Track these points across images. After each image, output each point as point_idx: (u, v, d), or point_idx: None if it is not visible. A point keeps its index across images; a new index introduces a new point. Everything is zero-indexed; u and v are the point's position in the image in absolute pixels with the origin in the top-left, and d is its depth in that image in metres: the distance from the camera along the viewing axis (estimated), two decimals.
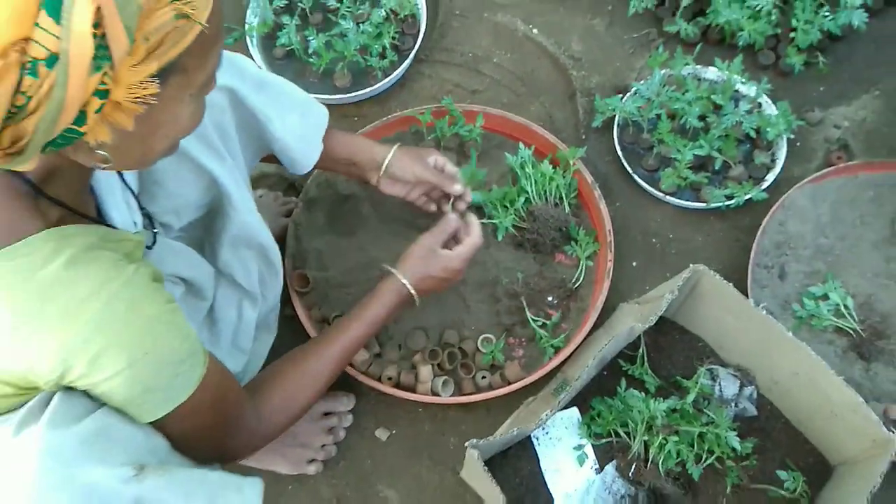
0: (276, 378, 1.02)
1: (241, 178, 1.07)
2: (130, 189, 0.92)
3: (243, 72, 1.07)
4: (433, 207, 1.30)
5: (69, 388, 0.73)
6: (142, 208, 0.94)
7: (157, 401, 0.77)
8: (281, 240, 1.35)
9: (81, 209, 0.78)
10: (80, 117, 0.59)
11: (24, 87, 0.55)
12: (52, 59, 0.54)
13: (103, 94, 0.58)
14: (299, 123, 1.14)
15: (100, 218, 0.84)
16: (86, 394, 0.73)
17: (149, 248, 0.92)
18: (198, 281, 1.03)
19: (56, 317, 0.67)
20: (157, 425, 0.79)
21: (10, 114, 0.56)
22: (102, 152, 0.66)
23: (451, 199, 1.26)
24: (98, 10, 0.54)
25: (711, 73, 1.52)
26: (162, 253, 0.95)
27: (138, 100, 0.61)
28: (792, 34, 1.54)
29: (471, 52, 1.68)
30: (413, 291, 1.11)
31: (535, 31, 1.69)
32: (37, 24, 0.53)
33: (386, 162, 1.21)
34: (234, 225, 1.06)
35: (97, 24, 0.55)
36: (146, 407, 0.76)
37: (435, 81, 1.65)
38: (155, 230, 0.96)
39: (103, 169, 0.71)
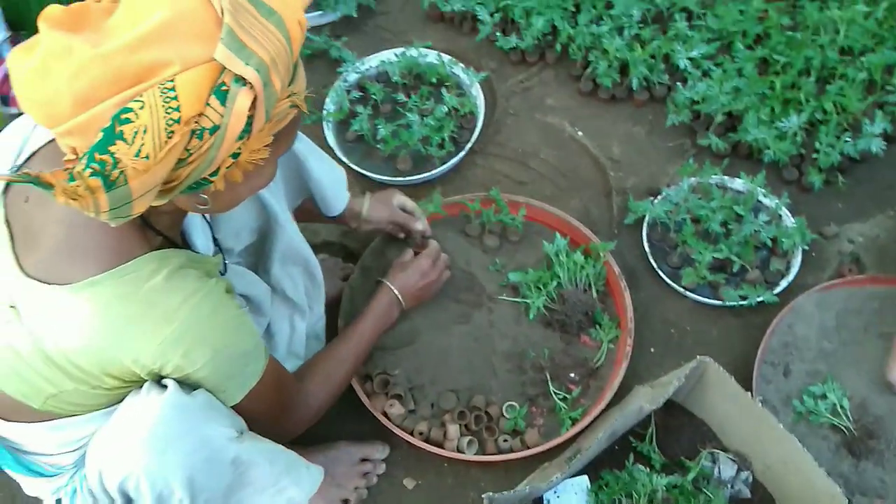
0: (315, 365, 1.28)
1: (284, 202, 1.29)
2: (208, 222, 1.13)
3: None
4: (401, 235, 1.58)
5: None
6: (213, 237, 1.15)
7: (236, 386, 0.99)
8: (337, 301, 1.54)
9: (174, 237, 0.99)
10: (215, 171, 0.79)
11: (190, 146, 0.75)
12: (214, 129, 0.75)
13: (236, 154, 0.79)
14: (329, 170, 1.38)
15: (186, 244, 1.06)
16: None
17: (222, 273, 1.13)
18: (257, 298, 1.23)
19: (157, 319, 0.87)
20: (236, 409, 1.02)
21: (176, 163, 0.76)
22: (205, 196, 0.86)
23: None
24: (254, 99, 0.75)
25: (737, 183, 1.68)
26: (229, 275, 1.15)
27: (253, 161, 0.82)
28: (815, 155, 1.69)
29: (520, 147, 1.88)
30: (398, 294, 1.43)
31: (580, 133, 1.88)
32: (208, 104, 0.74)
33: (364, 212, 1.48)
34: (281, 242, 1.27)
35: (250, 109, 0.75)
36: (229, 392, 0.99)
37: (486, 171, 1.85)
38: (225, 259, 1.17)
39: (199, 211, 0.94)
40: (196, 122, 0.74)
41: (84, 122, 0.72)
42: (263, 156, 0.83)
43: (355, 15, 2.06)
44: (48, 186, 0.70)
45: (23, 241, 0.89)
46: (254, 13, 0.75)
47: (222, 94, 0.74)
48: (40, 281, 0.86)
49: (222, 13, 0.73)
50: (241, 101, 0.75)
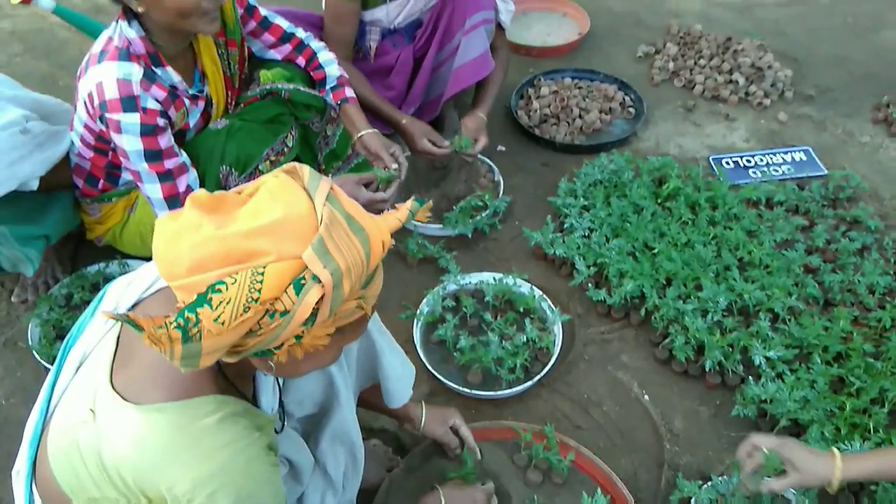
0: None
1: (350, 384, 1.39)
2: (279, 384, 1.25)
3: (374, 316, 1.44)
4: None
5: None
6: (280, 399, 1.25)
7: None
8: (374, 489, 1.60)
9: (244, 388, 1.11)
10: (278, 346, 0.92)
11: (262, 322, 0.89)
12: (284, 313, 0.88)
13: (299, 337, 0.92)
14: (401, 366, 1.50)
15: (253, 398, 1.17)
16: None
17: (277, 432, 1.22)
18: (300, 466, 1.31)
19: (198, 455, 0.97)
20: None
21: (246, 333, 0.89)
22: (272, 364, 0.98)
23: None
24: (322, 296, 0.89)
25: (788, 492, 1.66)
26: (283, 437, 1.24)
27: (314, 345, 0.94)
28: (873, 487, 1.66)
29: (586, 393, 1.95)
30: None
31: (646, 396, 1.94)
32: (285, 292, 0.88)
33: (419, 424, 1.62)
34: (336, 421, 1.36)
35: (317, 303, 0.89)
36: None
37: (548, 406, 1.92)
38: (283, 420, 1.27)
39: (266, 373, 1.06)
40: (271, 305, 0.88)
41: (190, 284, 0.88)
42: (323, 342, 0.95)
43: (469, 236, 2.29)
44: (138, 328, 0.84)
45: (121, 357, 1.04)
46: (345, 227, 0.91)
47: (299, 287, 0.88)
48: (121, 396, 0.99)
49: (320, 222, 0.90)
50: (312, 295, 0.88)
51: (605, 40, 3.29)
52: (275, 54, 2.10)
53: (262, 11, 2.03)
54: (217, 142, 1.91)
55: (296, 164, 0.98)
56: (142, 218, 2.04)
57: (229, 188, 1.90)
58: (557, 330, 1.99)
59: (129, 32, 1.71)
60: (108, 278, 2.14)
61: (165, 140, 1.78)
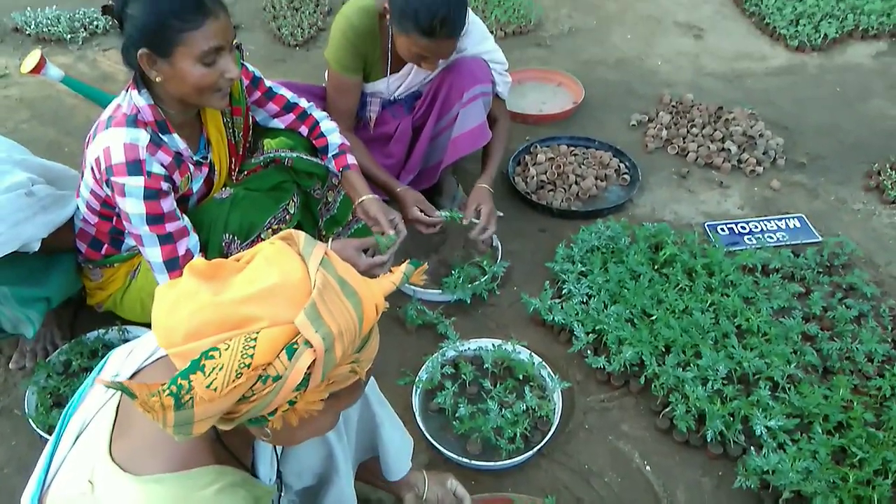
0: None
1: (349, 456, 1.38)
2: (277, 454, 1.23)
3: (373, 385, 1.46)
4: None
5: None
6: (279, 470, 1.24)
7: None
8: None
9: (243, 457, 1.09)
10: (272, 412, 0.92)
11: (254, 388, 0.89)
12: (276, 378, 0.88)
13: (292, 402, 0.92)
14: (400, 439, 1.49)
15: (252, 467, 1.16)
16: None
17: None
18: None
19: None
20: None
21: (239, 399, 0.89)
22: (268, 430, 0.97)
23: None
24: (314, 361, 0.89)
25: None
26: None
27: (308, 411, 0.94)
28: None
29: (587, 464, 1.92)
30: None
31: (648, 467, 1.91)
32: (277, 357, 0.88)
33: (422, 493, 1.60)
34: (334, 492, 1.35)
35: (309, 367, 0.89)
36: None
37: (548, 477, 1.89)
38: (281, 492, 1.25)
39: (264, 441, 1.05)
40: (264, 370, 0.88)
41: (186, 352, 0.88)
42: (318, 408, 0.95)
43: (468, 302, 2.30)
44: (132, 395, 0.84)
45: (121, 427, 1.04)
46: (338, 291, 0.92)
47: (292, 351, 0.88)
48: (119, 466, 0.99)
49: (314, 287, 0.91)
50: (304, 359, 0.89)
51: (599, 109, 3.37)
52: (278, 123, 2.15)
53: (267, 83, 2.09)
54: (221, 211, 1.94)
55: (292, 230, 1.00)
56: (143, 285, 2.04)
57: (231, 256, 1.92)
58: (557, 397, 1.98)
59: (138, 100, 1.76)
60: (108, 345, 2.14)
61: (168, 204, 1.80)
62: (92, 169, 1.79)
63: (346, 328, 0.91)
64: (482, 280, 2.34)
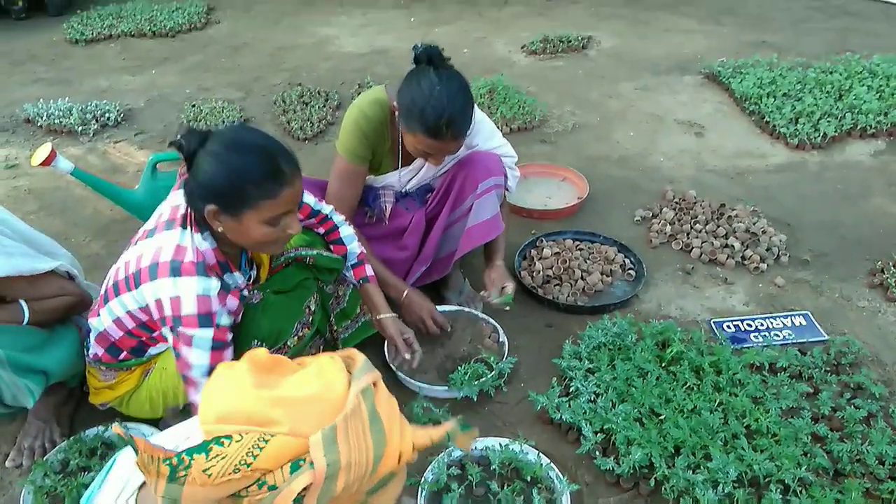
0: None
1: None
2: None
3: None
4: None
5: None
6: None
7: None
8: None
9: None
10: None
11: (250, 489, 0.88)
12: (272, 488, 0.89)
13: None
14: None
15: None
16: None
17: None
18: None
19: None
20: None
21: (234, 494, 0.89)
22: None
23: None
24: (310, 484, 0.89)
25: None
26: None
27: None
28: None
29: None
30: None
31: None
32: (281, 468, 0.88)
33: None
34: None
35: (304, 489, 0.89)
36: None
37: None
38: None
39: None
40: (263, 475, 0.88)
41: (210, 431, 0.90)
42: None
43: (475, 398, 2.29)
44: (135, 450, 0.85)
45: None
46: (365, 423, 0.91)
47: (296, 467, 0.89)
48: None
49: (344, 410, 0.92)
50: (300, 481, 0.89)
51: (604, 204, 3.45)
52: None
53: None
54: (252, 316, 1.93)
55: (355, 351, 1.01)
56: (156, 383, 2.03)
57: None
58: (566, 501, 1.95)
59: (201, 244, 1.75)
60: (108, 443, 2.11)
61: (229, 353, 1.77)
62: (149, 307, 1.74)
63: (356, 461, 0.91)
64: (489, 376, 2.33)
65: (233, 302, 1.79)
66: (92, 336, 1.99)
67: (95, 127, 4.20)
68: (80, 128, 4.18)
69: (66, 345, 2.08)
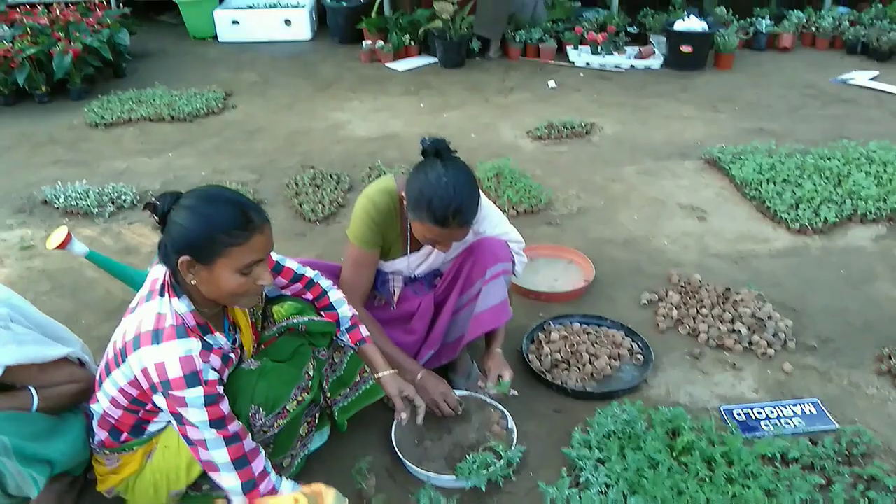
0: None
1: None
2: None
3: None
4: None
5: None
6: None
7: None
8: None
9: None
10: None
11: None
12: None
13: None
14: None
15: None
16: None
17: None
18: None
19: None
20: None
21: None
22: None
23: None
24: None
25: None
26: None
27: None
28: None
29: None
30: None
31: None
32: None
33: None
34: None
35: None
36: None
37: None
38: None
39: None
40: None
41: None
42: None
43: (483, 489, 2.27)
44: None
45: None
46: None
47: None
48: None
49: None
50: None
51: (610, 287, 3.48)
52: (286, 292, 2.26)
53: (275, 257, 2.21)
54: (249, 382, 1.99)
55: (323, 487, 1.04)
56: (159, 465, 2.04)
57: (256, 427, 1.97)
58: None
59: (179, 308, 1.85)
60: None
61: (225, 406, 1.85)
62: (136, 378, 1.82)
63: None
64: (497, 466, 2.31)
65: (216, 360, 1.86)
66: (94, 422, 2.03)
67: (111, 209, 4.29)
68: (97, 209, 4.27)
69: (73, 433, 2.08)
